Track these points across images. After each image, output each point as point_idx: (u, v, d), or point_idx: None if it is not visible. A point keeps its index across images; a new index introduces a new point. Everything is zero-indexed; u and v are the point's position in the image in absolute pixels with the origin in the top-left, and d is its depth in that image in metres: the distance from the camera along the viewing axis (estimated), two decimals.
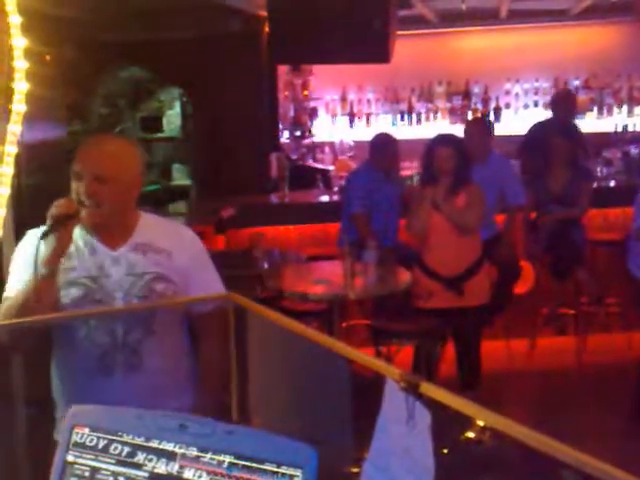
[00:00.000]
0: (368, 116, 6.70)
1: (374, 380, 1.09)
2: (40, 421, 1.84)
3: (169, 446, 0.92)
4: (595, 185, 4.65)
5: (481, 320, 3.67)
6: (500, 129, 6.39)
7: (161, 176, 6.59)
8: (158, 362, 1.74)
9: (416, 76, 6.60)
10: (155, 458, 0.92)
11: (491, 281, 3.69)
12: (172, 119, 6.54)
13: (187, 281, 1.76)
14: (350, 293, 3.22)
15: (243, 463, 0.89)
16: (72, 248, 1.67)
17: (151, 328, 1.71)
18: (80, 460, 0.94)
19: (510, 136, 5.86)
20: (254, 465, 0.89)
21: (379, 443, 1.05)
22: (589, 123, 6.32)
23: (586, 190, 4.26)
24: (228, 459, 0.90)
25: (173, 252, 1.75)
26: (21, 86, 1.83)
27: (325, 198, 5.11)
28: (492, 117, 6.54)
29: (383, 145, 4.27)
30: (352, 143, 6.41)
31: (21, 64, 1.83)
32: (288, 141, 6.33)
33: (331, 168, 6.03)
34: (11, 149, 1.83)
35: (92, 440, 0.94)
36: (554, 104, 5.21)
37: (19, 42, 1.82)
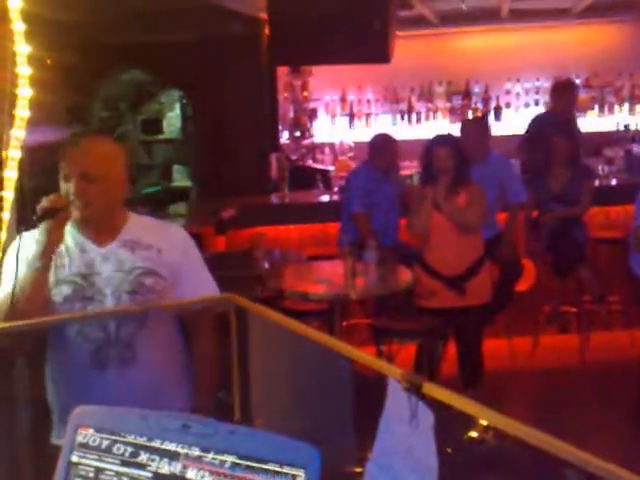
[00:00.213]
0: (368, 116, 6.71)
1: (376, 379, 1.09)
2: (41, 424, 1.85)
3: (172, 446, 0.92)
4: (597, 183, 4.65)
5: (483, 319, 3.67)
6: (501, 128, 6.41)
7: (161, 177, 6.60)
8: (152, 356, 1.75)
9: (416, 76, 6.60)
10: (158, 458, 0.93)
11: (492, 280, 3.69)
12: (172, 121, 6.56)
13: (177, 278, 1.78)
14: (351, 293, 3.22)
15: (246, 463, 0.89)
16: (62, 247, 1.69)
17: (144, 322, 1.73)
18: (84, 461, 0.94)
19: (511, 135, 5.86)
20: (257, 465, 0.89)
21: (382, 443, 1.05)
22: (590, 121, 6.32)
23: (587, 188, 4.26)
24: (231, 459, 0.90)
25: (163, 248, 1.77)
26: (24, 92, 1.84)
27: (325, 198, 5.11)
28: (492, 116, 6.54)
29: (382, 145, 4.28)
30: (352, 143, 6.41)
31: (24, 70, 1.84)
32: (288, 142, 6.33)
33: (331, 168, 6.03)
34: (15, 154, 1.84)
35: (96, 440, 0.95)
36: (554, 93, 5.16)
37: (22, 49, 1.83)
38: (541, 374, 4.15)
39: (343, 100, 6.71)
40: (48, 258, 1.61)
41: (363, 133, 6.35)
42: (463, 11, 5.78)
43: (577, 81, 6.45)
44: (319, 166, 6.22)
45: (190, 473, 0.91)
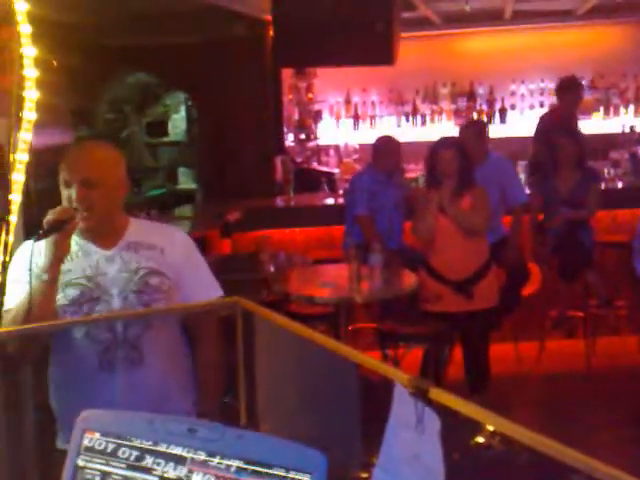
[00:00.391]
0: (372, 118, 6.70)
1: (382, 384, 1.09)
2: (46, 429, 1.84)
3: (178, 450, 0.92)
4: (603, 186, 4.63)
5: (489, 323, 3.66)
6: (506, 130, 6.40)
7: (167, 180, 6.61)
8: (158, 357, 1.75)
9: (420, 78, 6.60)
10: (164, 462, 0.93)
11: (500, 284, 3.68)
12: (177, 123, 6.57)
13: (180, 279, 1.79)
14: (356, 296, 3.22)
15: (252, 468, 0.89)
16: None
17: (149, 322, 1.73)
18: (90, 464, 0.94)
19: (516, 137, 5.85)
20: (263, 470, 0.89)
21: (389, 448, 1.05)
22: (595, 124, 6.29)
23: (594, 192, 4.23)
24: (237, 464, 0.90)
25: (165, 249, 1.79)
26: (32, 94, 1.85)
27: (330, 201, 5.11)
28: (497, 118, 6.53)
29: (385, 147, 4.28)
30: (357, 146, 6.41)
31: (31, 73, 1.85)
32: (293, 144, 6.34)
33: (336, 171, 6.03)
34: (22, 157, 1.84)
35: (102, 444, 0.95)
36: (558, 92, 5.17)
37: (29, 51, 1.84)
38: (547, 379, 4.13)
39: (348, 102, 6.71)
40: (56, 270, 1.63)
41: (368, 135, 6.34)
42: (466, 12, 5.77)
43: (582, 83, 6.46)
44: (324, 168, 6.22)
45: (196, 477, 0.91)
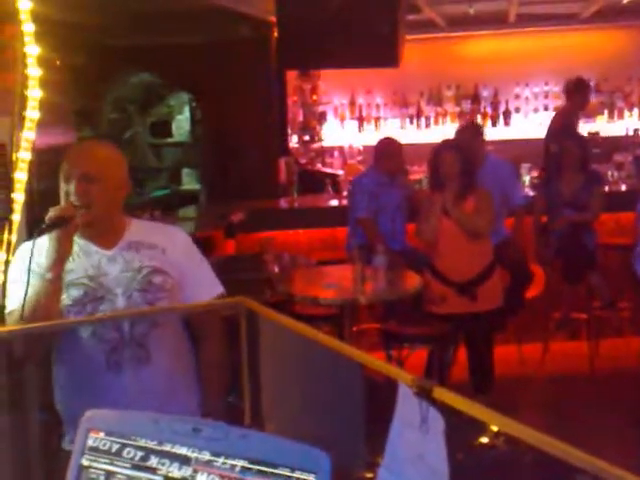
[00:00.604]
0: (377, 120, 6.71)
1: (386, 384, 1.09)
2: (52, 430, 1.84)
3: (183, 450, 0.92)
4: (606, 189, 4.62)
5: (494, 325, 3.66)
6: (510, 133, 6.39)
7: (170, 181, 6.62)
8: (164, 356, 1.75)
9: (425, 80, 6.60)
10: (169, 462, 0.92)
11: (504, 285, 3.67)
12: (181, 124, 6.57)
13: (182, 278, 1.79)
14: (361, 297, 3.22)
15: (256, 467, 0.89)
16: None
17: (155, 321, 1.73)
18: (95, 464, 0.94)
19: (520, 140, 5.84)
20: (267, 470, 0.89)
21: (393, 448, 1.05)
22: (600, 126, 6.29)
23: (598, 194, 4.23)
24: (241, 463, 0.90)
25: (167, 249, 1.79)
26: (35, 93, 1.85)
27: (334, 202, 5.11)
28: (502, 121, 6.53)
29: (387, 149, 4.27)
30: (361, 147, 6.41)
31: (34, 72, 1.85)
32: (297, 146, 6.34)
33: (340, 172, 6.03)
34: (25, 155, 1.85)
35: (107, 444, 0.94)
36: (566, 93, 5.21)
37: (32, 50, 1.84)
38: (551, 380, 4.13)
39: (352, 104, 6.72)
40: (59, 268, 1.62)
41: (372, 137, 6.34)
42: (470, 15, 5.78)
43: None
44: (328, 170, 6.22)
45: (200, 477, 0.91)
